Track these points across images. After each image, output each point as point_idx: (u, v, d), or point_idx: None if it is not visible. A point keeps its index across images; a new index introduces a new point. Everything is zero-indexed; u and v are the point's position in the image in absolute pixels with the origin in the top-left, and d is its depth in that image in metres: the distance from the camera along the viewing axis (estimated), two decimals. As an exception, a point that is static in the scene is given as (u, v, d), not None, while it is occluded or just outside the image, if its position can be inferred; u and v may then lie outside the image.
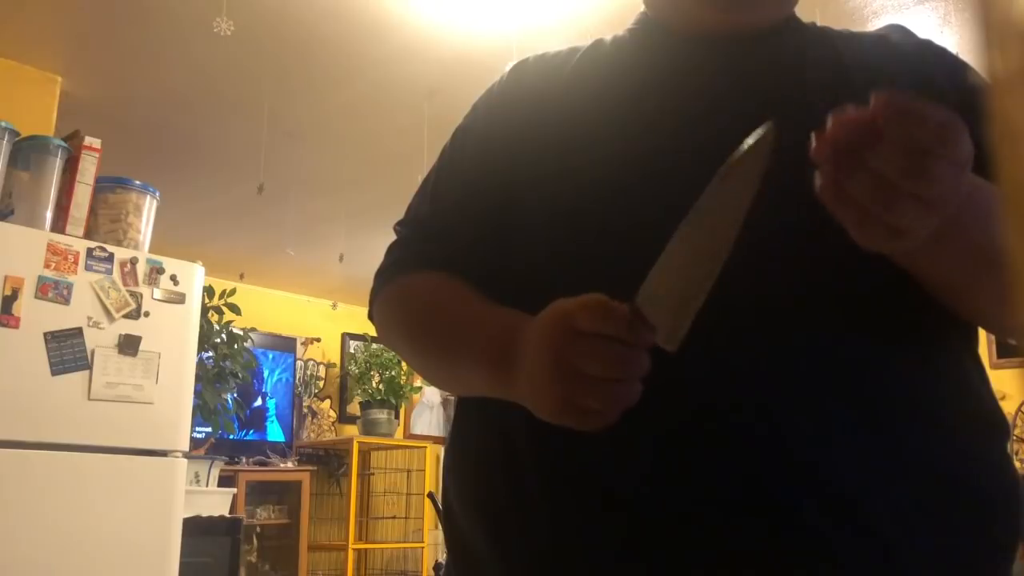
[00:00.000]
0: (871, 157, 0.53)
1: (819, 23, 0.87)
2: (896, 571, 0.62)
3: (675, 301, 0.57)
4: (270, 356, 5.86)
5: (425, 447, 5.98)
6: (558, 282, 0.64)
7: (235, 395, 4.48)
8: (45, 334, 2.48)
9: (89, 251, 2.62)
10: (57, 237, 2.57)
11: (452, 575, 0.80)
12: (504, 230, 0.79)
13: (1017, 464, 0.80)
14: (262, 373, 5.73)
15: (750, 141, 0.53)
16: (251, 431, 5.60)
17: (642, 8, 0.89)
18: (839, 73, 0.77)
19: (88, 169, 2.72)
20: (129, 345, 2.64)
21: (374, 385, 5.57)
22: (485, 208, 0.82)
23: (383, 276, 0.88)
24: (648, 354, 0.58)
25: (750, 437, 0.64)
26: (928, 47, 0.81)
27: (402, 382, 5.62)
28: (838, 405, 0.65)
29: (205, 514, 3.63)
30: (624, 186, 0.73)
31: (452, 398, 6.23)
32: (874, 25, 2.88)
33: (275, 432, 5.80)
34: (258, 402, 5.71)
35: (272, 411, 5.81)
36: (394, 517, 5.88)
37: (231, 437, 4.89)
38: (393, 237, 0.91)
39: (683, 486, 0.64)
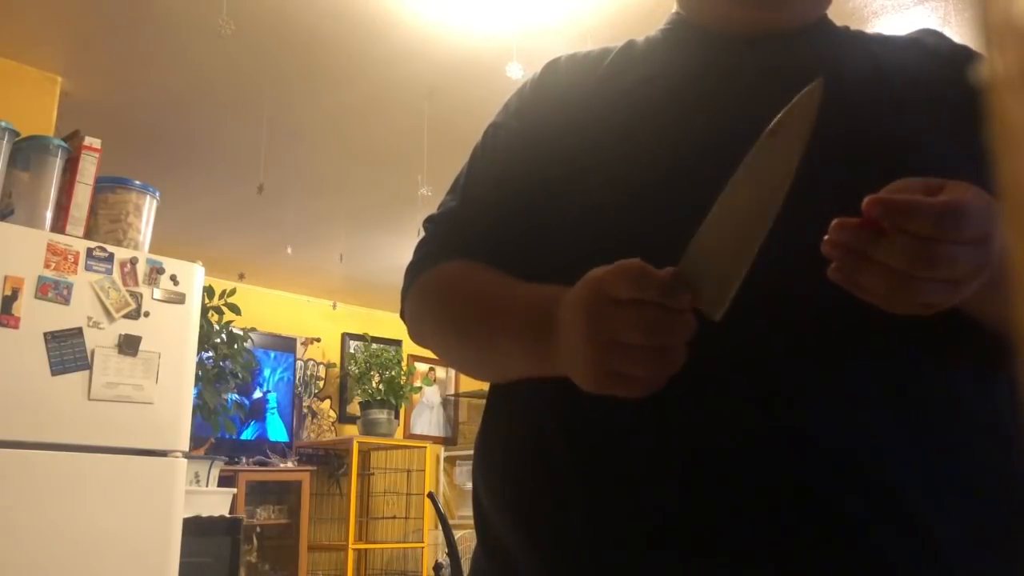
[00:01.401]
0: (877, 252, 0.54)
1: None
2: None
3: (720, 265, 0.55)
4: (270, 356, 5.86)
5: (425, 447, 5.98)
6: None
7: (235, 396, 4.48)
8: (45, 334, 2.48)
9: (89, 251, 2.62)
10: (57, 237, 2.57)
11: (481, 567, 0.79)
12: (534, 227, 0.79)
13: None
14: (262, 373, 5.73)
15: (797, 98, 0.52)
16: (251, 423, 5.60)
17: (674, 8, 0.89)
18: (876, 72, 0.77)
19: (88, 169, 2.72)
20: (129, 345, 2.64)
21: (374, 385, 5.57)
22: (515, 205, 0.81)
23: (413, 271, 0.87)
24: (693, 317, 0.56)
25: (795, 439, 0.63)
26: (963, 51, 0.81)
27: (402, 382, 5.63)
28: (890, 414, 0.64)
29: (205, 514, 3.63)
30: (655, 183, 0.72)
31: (452, 398, 6.23)
32: (874, 25, 2.88)
33: (276, 426, 5.80)
34: (257, 394, 5.70)
35: (272, 403, 5.81)
36: (394, 517, 5.88)
37: (230, 437, 4.89)
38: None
39: (723, 487, 0.64)
